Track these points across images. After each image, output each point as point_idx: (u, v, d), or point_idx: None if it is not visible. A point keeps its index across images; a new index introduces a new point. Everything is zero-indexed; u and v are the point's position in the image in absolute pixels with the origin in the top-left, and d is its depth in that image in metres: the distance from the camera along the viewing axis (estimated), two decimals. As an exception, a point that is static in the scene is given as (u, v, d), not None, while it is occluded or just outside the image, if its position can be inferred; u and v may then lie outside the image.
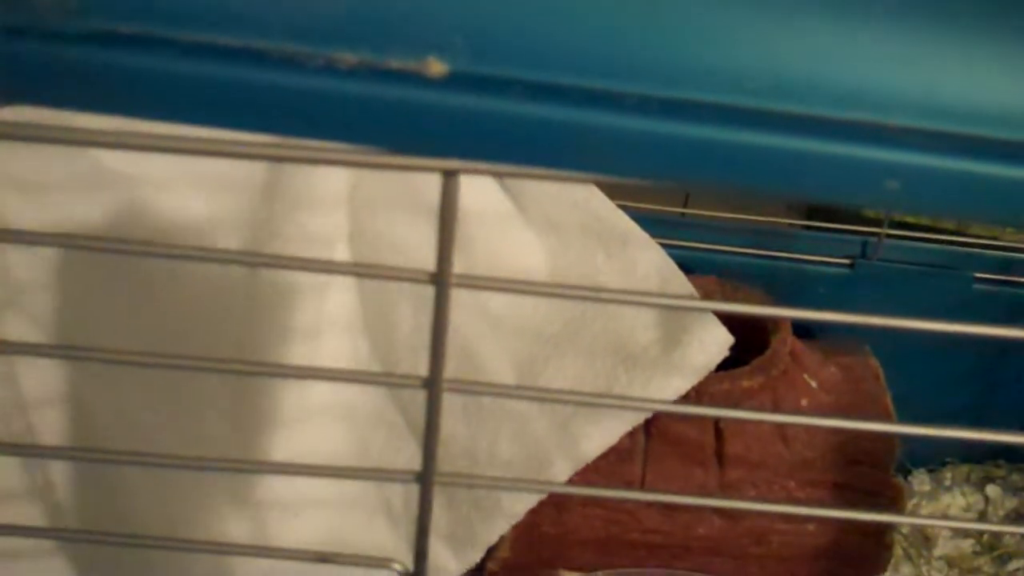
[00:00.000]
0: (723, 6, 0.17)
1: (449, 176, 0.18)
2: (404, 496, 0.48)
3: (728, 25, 0.17)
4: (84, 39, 0.17)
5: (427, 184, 0.46)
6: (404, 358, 0.48)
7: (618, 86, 0.17)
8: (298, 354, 0.46)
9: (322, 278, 0.46)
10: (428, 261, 0.49)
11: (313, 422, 0.47)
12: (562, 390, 0.21)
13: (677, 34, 0.17)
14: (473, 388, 0.20)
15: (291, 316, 0.45)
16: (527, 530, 0.47)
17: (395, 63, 0.17)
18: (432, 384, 0.19)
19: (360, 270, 0.18)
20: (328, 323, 0.47)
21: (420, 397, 0.47)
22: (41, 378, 0.41)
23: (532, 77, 0.17)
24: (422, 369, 0.47)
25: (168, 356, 0.23)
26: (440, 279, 0.18)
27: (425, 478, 0.21)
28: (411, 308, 0.47)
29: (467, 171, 0.17)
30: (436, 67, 0.17)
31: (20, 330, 0.42)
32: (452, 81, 0.17)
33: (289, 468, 0.22)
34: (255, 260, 0.20)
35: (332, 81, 0.17)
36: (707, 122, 0.17)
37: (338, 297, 0.47)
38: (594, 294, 0.19)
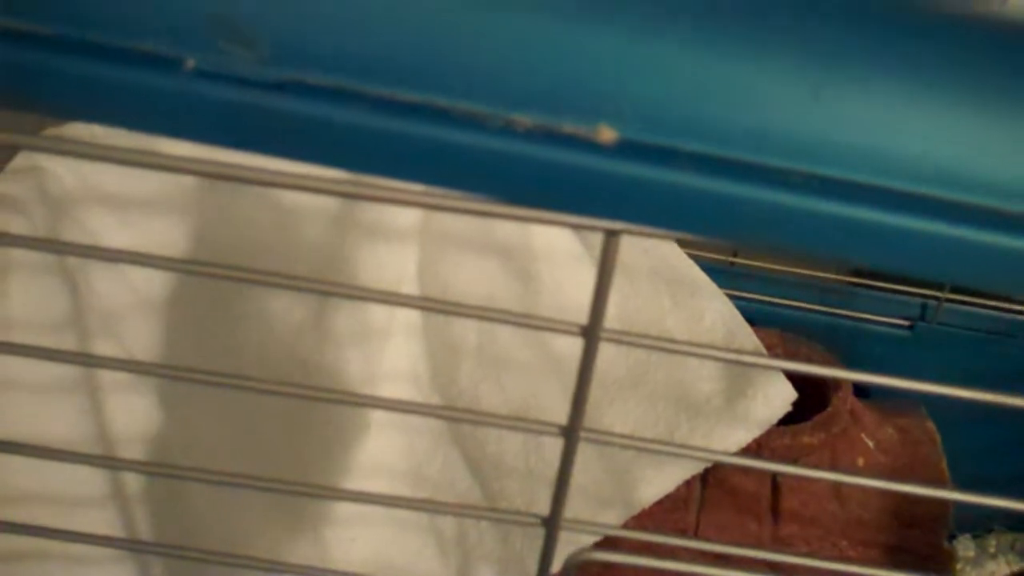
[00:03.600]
0: (893, 96, 0.17)
1: (611, 236, 0.18)
2: (456, 526, 0.49)
3: (898, 114, 0.17)
4: (275, 88, 0.18)
5: (500, 221, 0.47)
6: (465, 388, 0.49)
7: (782, 163, 0.18)
8: (361, 362, 0.47)
9: (390, 309, 0.47)
10: (493, 298, 0.49)
11: (370, 435, 0.48)
12: (676, 443, 0.22)
13: (847, 119, 0.17)
14: (608, 439, 0.20)
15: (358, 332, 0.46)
16: (579, 572, 0.48)
17: (568, 127, 0.18)
18: (571, 433, 0.20)
19: (511, 318, 0.19)
20: (392, 341, 0.48)
21: (481, 430, 0.48)
22: (124, 405, 0.42)
23: (698, 149, 0.18)
24: (481, 397, 0.48)
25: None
26: (591, 332, 0.18)
27: (552, 523, 0.21)
28: (476, 337, 0.48)
29: (629, 232, 0.18)
30: (607, 133, 0.18)
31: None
32: (621, 148, 0.18)
33: (407, 502, 0.23)
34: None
35: (508, 142, 0.18)
36: (869, 204, 0.18)
37: (405, 316, 0.48)
38: (736, 357, 0.19)
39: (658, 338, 0.19)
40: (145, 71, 0.17)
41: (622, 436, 0.20)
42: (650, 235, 0.18)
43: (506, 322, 0.18)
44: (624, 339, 0.19)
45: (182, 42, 0.17)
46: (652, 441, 0.22)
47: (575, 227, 0.17)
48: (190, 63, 0.17)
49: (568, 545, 0.46)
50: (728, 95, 0.18)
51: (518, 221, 0.17)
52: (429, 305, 0.19)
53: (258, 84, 0.18)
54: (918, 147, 0.18)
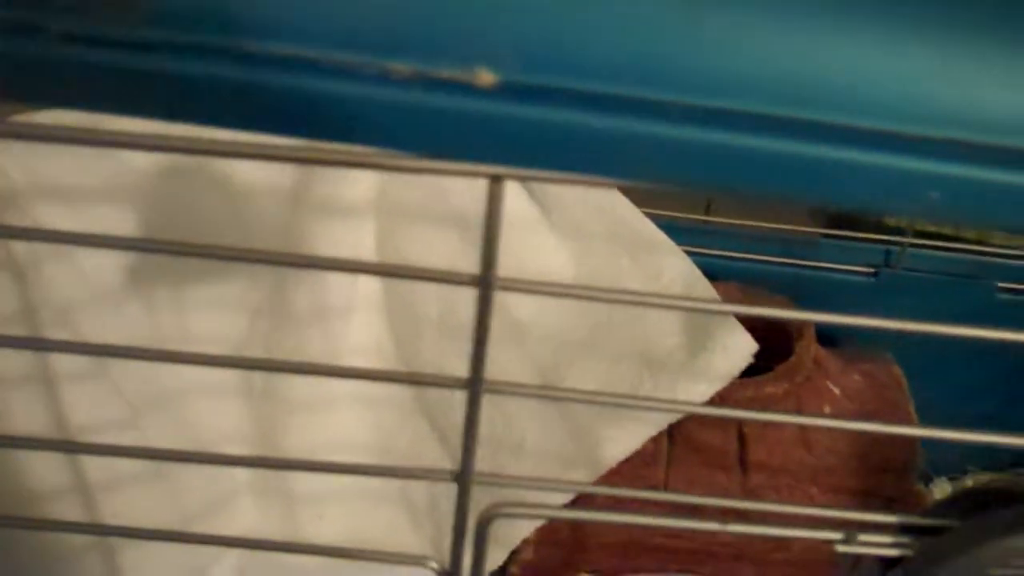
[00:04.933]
0: (766, 18, 0.17)
1: (495, 181, 0.18)
2: (428, 496, 0.49)
3: (772, 36, 0.17)
4: (143, 48, 0.17)
5: (455, 190, 0.47)
6: (430, 360, 0.48)
7: (662, 96, 0.18)
8: (323, 339, 0.47)
9: (349, 285, 0.47)
10: (454, 267, 0.49)
11: (336, 411, 0.48)
12: (596, 391, 0.22)
13: (720, 46, 0.17)
14: (513, 389, 0.20)
15: (321, 303, 0.46)
16: (550, 533, 0.48)
17: (446, 73, 0.18)
18: (474, 385, 0.20)
19: (402, 271, 0.18)
20: (354, 317, 0.48)
21: (447, 401, 0.48)
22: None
23: (578, 87, 0.18)
24: (446, 368, 0.47)
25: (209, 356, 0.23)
26: (484, 282, 0.18)
27: (463, 478, 0.21)
28: (436, 308, 0.48)
29: (512, 176, 0.18)
30: (486, 77, 0.18)
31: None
32: (501, 90, 0.18)
33: (323, 466, 0.23)
34: (299, 261, 0.21)
35: (385, 90, 0.18)
36: (750, 132, 0.17)
37: (366, 291, 0.48)
38: (630, 297, 0.19)
39: (554, 284, 0.18)
40: (10, 38, 0.17)
41: (529, 387, 0.19)
42: (535, 178, 0.18)
43: (395, 275, 0.18)
44: (516, 287, 0.19)
45: (47, 5, 0.17)
46: (572, 391, 0.22)
47: (458, 175, 0.17)
48: (56, 28, 0.17)
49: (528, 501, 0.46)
50: (605, 30, 0.17)
51: (399, 172, 0.17)
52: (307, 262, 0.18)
53: (127, 45, 0.17)
54: (802, 71, 0.17)
